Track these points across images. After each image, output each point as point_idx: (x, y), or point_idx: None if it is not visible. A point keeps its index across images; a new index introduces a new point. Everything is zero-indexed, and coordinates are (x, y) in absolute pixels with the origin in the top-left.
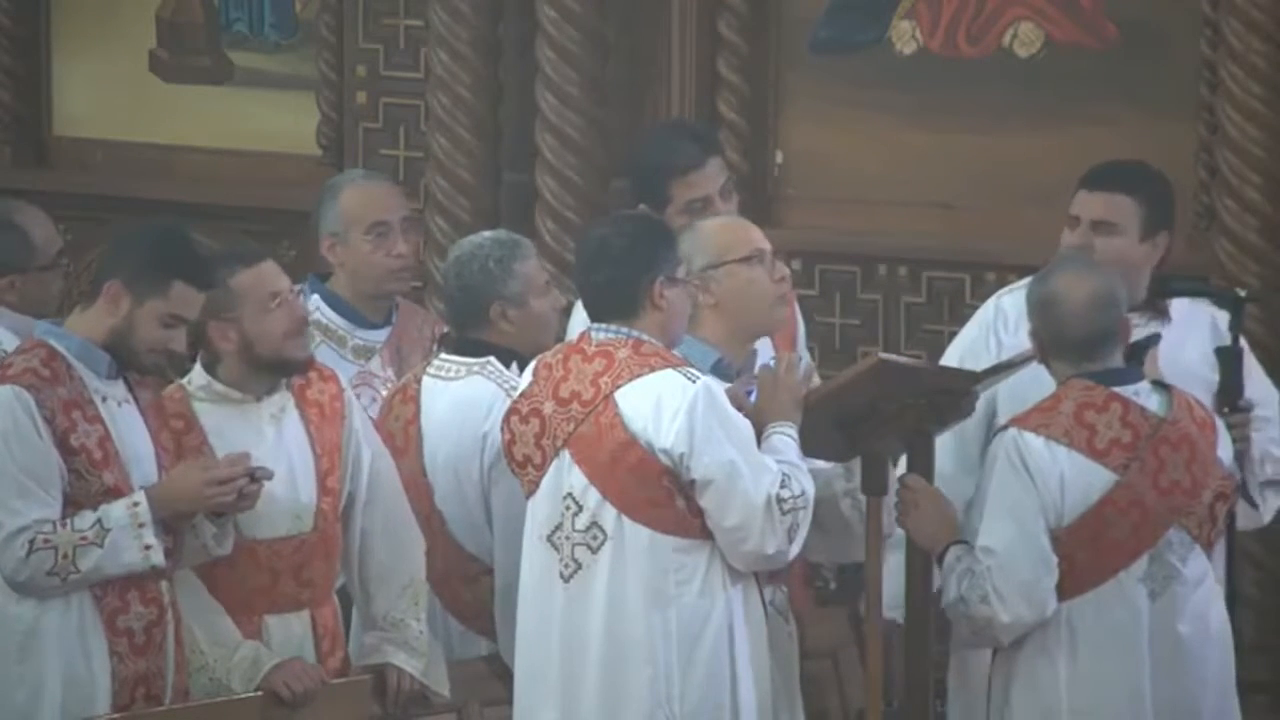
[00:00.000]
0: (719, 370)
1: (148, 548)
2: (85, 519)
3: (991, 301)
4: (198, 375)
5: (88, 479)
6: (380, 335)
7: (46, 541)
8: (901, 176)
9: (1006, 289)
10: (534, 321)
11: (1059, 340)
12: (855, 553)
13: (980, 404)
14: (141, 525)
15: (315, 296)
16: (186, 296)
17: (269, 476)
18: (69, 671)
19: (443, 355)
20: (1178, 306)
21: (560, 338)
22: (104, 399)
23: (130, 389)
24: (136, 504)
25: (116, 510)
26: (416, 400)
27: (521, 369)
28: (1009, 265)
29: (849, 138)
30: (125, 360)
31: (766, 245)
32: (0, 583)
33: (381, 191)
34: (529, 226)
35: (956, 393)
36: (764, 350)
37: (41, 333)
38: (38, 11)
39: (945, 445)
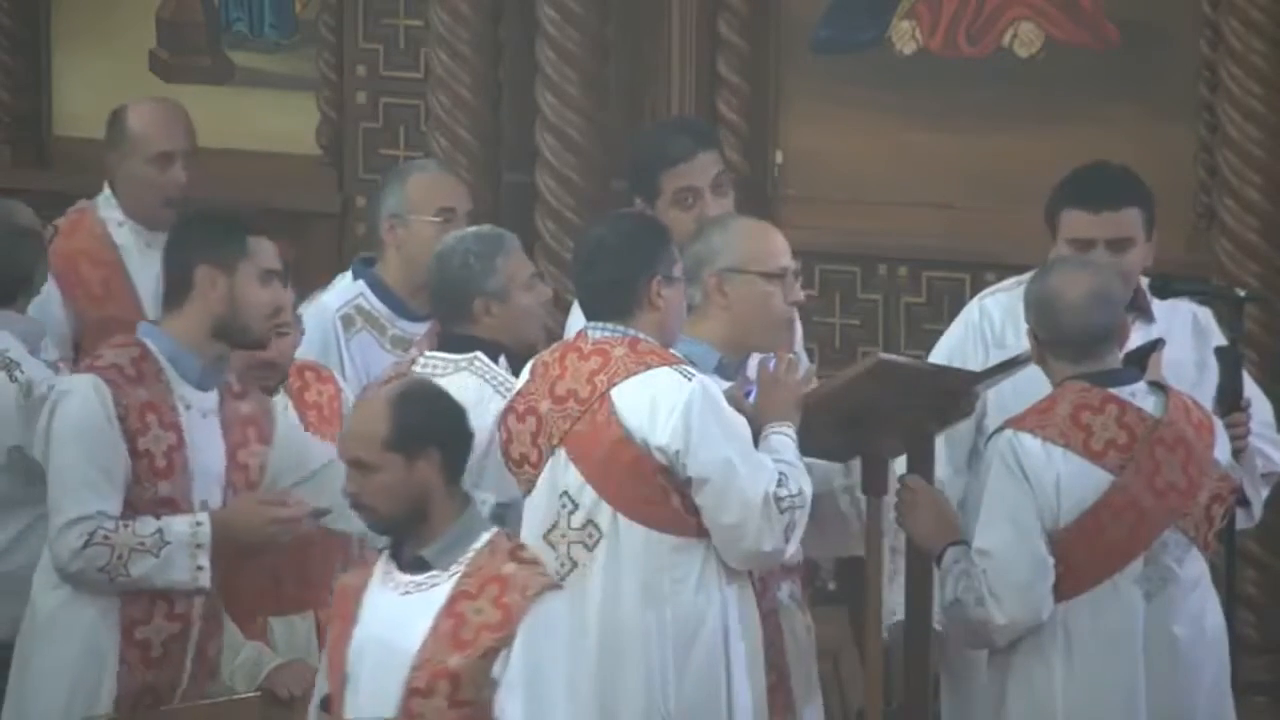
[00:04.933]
0: (721, 371)
1: (199, 569)
2: (147, 525)
3: (975, 303)
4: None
5: (143, 485)
6: (420, 329)
7: (106, 538)
8: (901, 176)
9: (988, 290)
10: (518, 315)
11: (1056, 339)
12: (850, 547)
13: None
14: (199, 546)
15: (361, 282)
16: (263, 246)
17: (326, 514)
18: (77, 669)
19: (428, 352)
20: (1158, 305)
21: (551, 332)
22: (188, 407)
23: (222, 402)
24: (199, 524)
25: (179, 525)
26: None
27: (509, 363)
28: (1009, 265)
29: (849, 138)
30: (243, 340)
31: (792, 263)
32: (46, 566)
33: (450, 181)
34: (529, 226)
35: (956, 393)
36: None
37: (142, 332)
38: (38, 11)
39: (937, 450)
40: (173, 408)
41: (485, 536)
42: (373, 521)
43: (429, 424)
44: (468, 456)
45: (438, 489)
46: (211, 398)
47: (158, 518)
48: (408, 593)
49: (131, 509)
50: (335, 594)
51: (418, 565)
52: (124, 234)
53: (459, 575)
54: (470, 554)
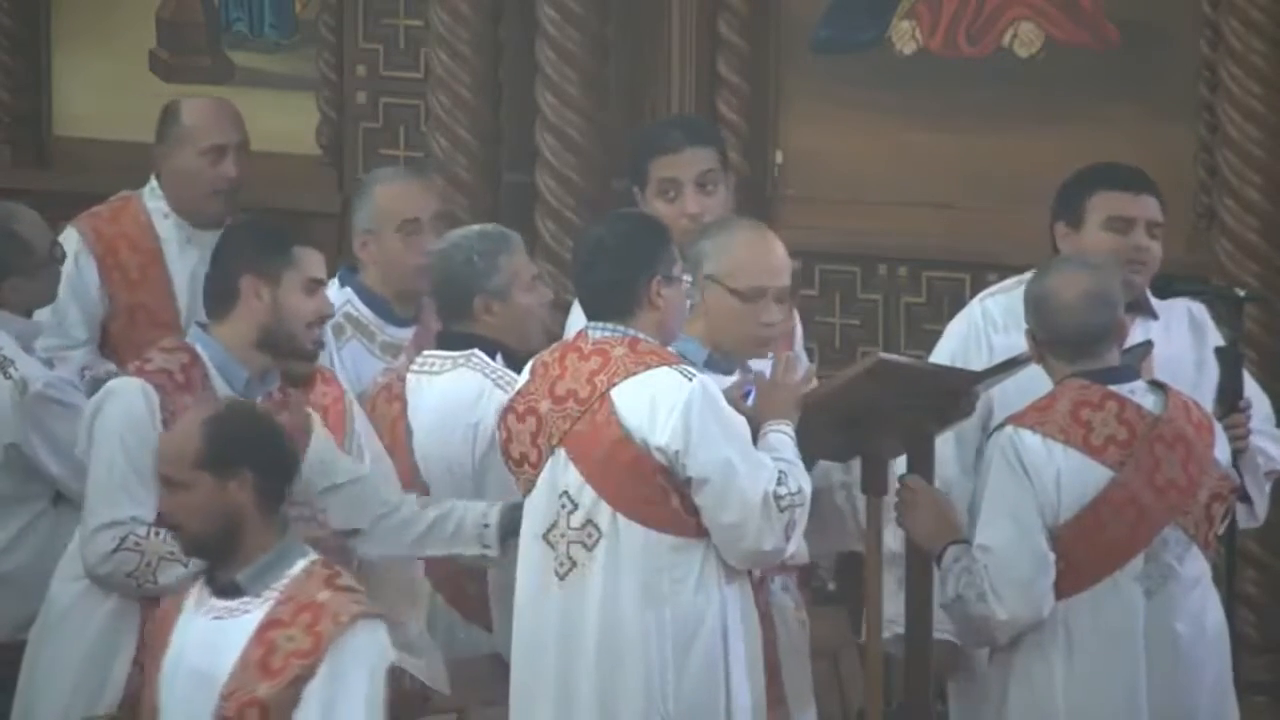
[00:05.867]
0: (712, 365)
1: None
2: None
3: (976, 305)
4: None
5: None
6: (407, 334)
7: (137, 544)
8: (901, 176)
9: (987, 292)
10: (518, 315)
11: (1054, 337)
12: (846, 543)
13: (978, 410)
14: None
15: (348, 289)
16: (308, 256)
17: (354, 534)
18: (85, 665)
19: (426, 351)
20: (1157, 304)
21: (551, 332)
22: None
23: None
24: None
25: None
26: (402, 398)
27: (507, 362)
28: (1009, 265)
29: (849, 138)
30: (288, 350)
31: (778, 282)
32: (72, 558)
33: (414, 188)
34: (529, 226)
35: (956, 393)
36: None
37: (192, 337)
38: (38, 11)
39: (946, 450)
40: None
41: (302, 563)
42: (184, 542)
43: (243, 445)
44: (286, 481)
45: (251, 512)
46: None
47: None
48: (219, 618)
49: None
50: (155, 620)
51: (231, 590)
52: (168, 227)
53: (272, 602)
54: (285, 580)
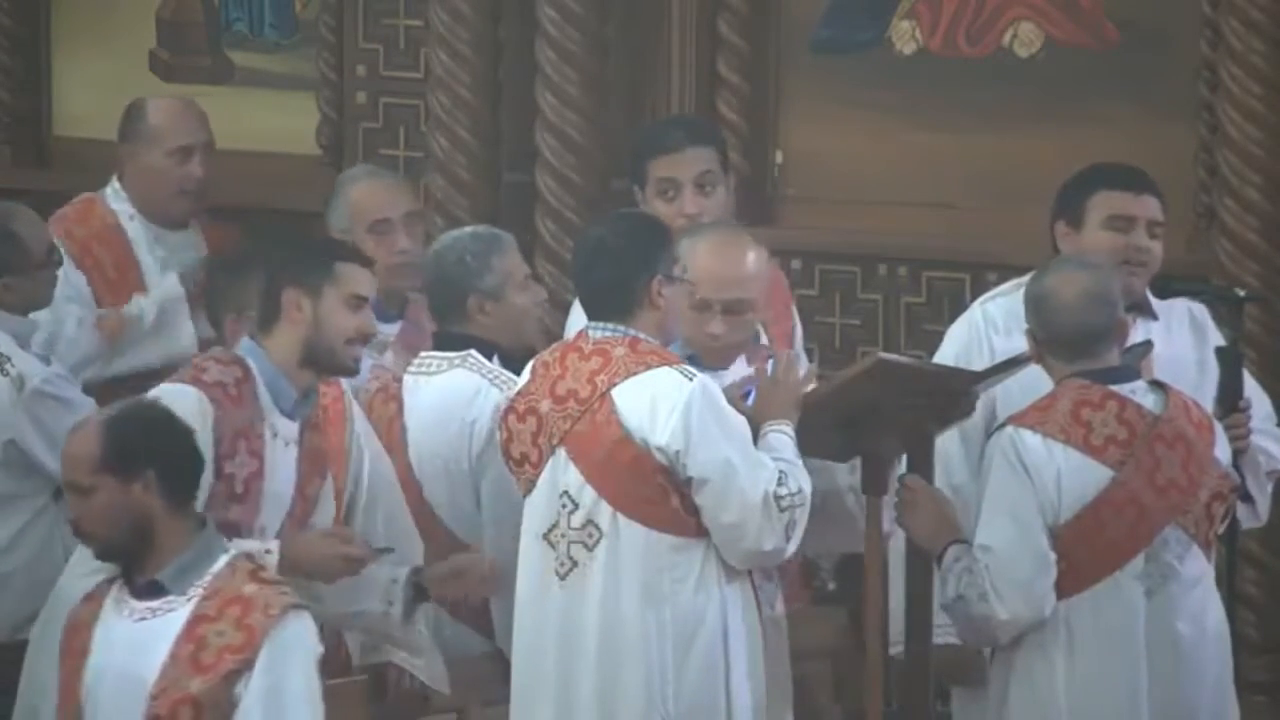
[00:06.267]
0: (694, 362)
1: None
2: None
3: (977, 308)
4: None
5: (216, 506)
6: (393, 329)
7: None
8: (901, 176)
9: (988, 295)
10: (512, 315)
11: (1053, 337)
12: (857, 544)
13: (982, 410)
14: None
15: None
16: (352, 273)
17: (390, 552)
18: None
19: (423, 353)
20: (1158, 305)
21: (550, 332)
22: (274, 434)
23: (303, 432)
24: (269, 552)
25: (248, 548)
26: (399, 398)
27: (502, 362)
28: (1009, 265)
29: (849, 138)
30: (329, 364)
31: (725, 296)
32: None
33: (383, 188)
34: (529, 226)
35: (956, 393)
36: (739, 366)
37: (245, 350)
38: (38, 11)
39: (954, 455)
40: (260, 435)
41: (224, 558)
42: (96, 548)
43: (144, 446)
44: (194, 478)
45: (160, 512)
46: (295, 427)
47: (228, 539)
48: (143, 619)
49: None
50: (65, 630)
51: (152, 590)
52: (135, 228)
53: (197, 598)
54: (209, 577)
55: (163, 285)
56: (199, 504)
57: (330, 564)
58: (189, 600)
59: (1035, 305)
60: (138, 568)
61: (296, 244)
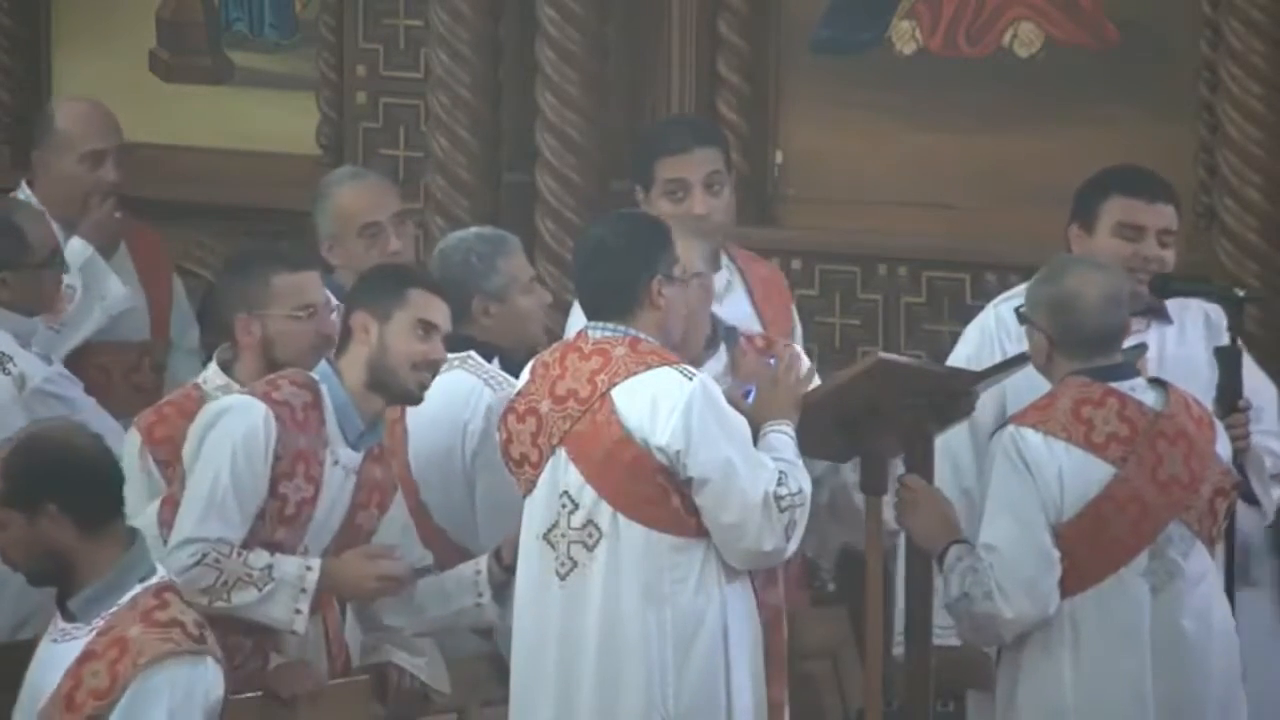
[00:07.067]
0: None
1: (298, 612)
2: (259, 558)
3: (990, 310)
4: (214, 374)
5: (265, 525)
6: None
7: (216, 562)
8: (901, 176)
9: (1002, 297)
10: (516, 317)
11: (1073, 337)
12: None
13: (991, 413)
14: (304, 590)
15: (324, 290)
16: (426, 300)
17: (427, 572)
18: None
19: None
20: (1172, 306)
21: (551, 333)
22: (335, 462)
23: (363, 462)
24: (309, 569)
25: (289, 566)
26: None
27: (503, 364)
28: (1009, 265)
29: (849, 138)
30: (393, 388)
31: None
32: None
33: (369, 191)
34: (529, 226)
35: (956, 393)
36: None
37: (320, 374)
38: (38, 11)
39: (965, 459)
40: (321, 462)
41: (134, 591)
42: (25, 575)
43: (40, 479)
44: (107, 501)
45: (73, 540)
46: (358, 457)
47: (271, 553)
48: (56, 641)
49: (245, 544)
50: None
51: (68, 614)
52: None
53: (95, 633)
54: (114, 609)
55: (70, 249)
56: (252, 520)
57: (366, 584)
58: (90, 631)
59: (1058, 308)
60: (64, 591)
61: (376, 269)
